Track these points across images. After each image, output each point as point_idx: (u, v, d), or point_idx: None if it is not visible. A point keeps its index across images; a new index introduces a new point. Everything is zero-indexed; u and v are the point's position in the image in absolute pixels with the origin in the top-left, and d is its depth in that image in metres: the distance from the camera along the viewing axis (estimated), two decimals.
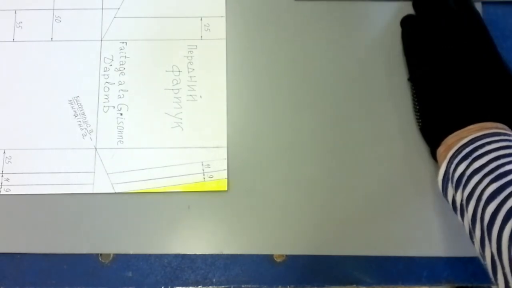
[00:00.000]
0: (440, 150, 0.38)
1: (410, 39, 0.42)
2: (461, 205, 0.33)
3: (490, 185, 0.30)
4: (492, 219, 0.29)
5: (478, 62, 0.38)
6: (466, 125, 0.36)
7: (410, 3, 0.43)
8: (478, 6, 0.44)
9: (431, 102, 0.39)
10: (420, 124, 0.40)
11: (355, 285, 0.39)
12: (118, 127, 0.42)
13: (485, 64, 0.38)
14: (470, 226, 0.32)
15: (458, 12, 0.40)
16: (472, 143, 0.34)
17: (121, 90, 0.43)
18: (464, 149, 0.34)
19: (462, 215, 0.33)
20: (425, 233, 0.40)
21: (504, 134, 0.34)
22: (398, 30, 0.43)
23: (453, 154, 0.35)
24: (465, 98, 0.37)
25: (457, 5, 0.40)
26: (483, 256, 0.31)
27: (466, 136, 0.35)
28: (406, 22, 0.43)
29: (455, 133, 0.36)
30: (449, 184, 0.35)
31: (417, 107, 0.41)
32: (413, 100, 0.42)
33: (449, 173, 0.35)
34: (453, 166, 0.34)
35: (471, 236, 0.33)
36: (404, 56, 0.43)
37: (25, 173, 0.41)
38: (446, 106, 0.38)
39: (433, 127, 0.39)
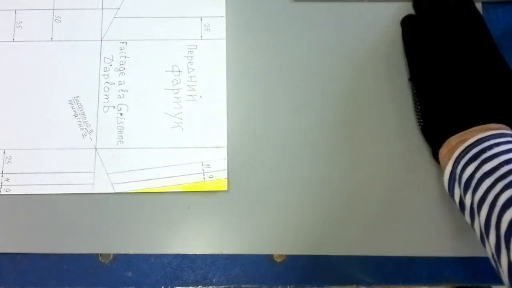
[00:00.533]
0: (443, 151, 0.38)
1: (410, 39, 0.42)
2: (471, 208, 0.33)
3: (505, 191, 0.29)
4: (510, 227, 0.28)
5: (479, 61, 0.38)
6: (469, 127, 0.36)
7: (409, 4, 0.44)
8: (478, 6, 0.44)
9: (433, 103, 0.39)
10: (421, 124, 0.40)
11: (355, 285, 0.39)
12: (118, 127, 0.42)
13: (486, 64, 0.38)
14: (483, 231, 0.31)
15: (458, 11, 0.40)
16: (479, 144, 0.33)
17: (121, 90, 0.43)
18: (471, 149, 0.34)
19: (472, 218, 0.33)
20: (425, 233, 0.40)
21: (511, 135, 0.34)
22: (398, 30, 0.43)
23: (460, 154, 0.35)
24: (467, 99, 0.37)
25: (458, 4, 0.40)
26: (497, 262, 0.30)
27: (471, 137, 0.35)
28: (406, 22, 0.43)
29: (458, 134, 0.36)
30: (456, 185, 0.35)
31: (418, 107, 0.40)
32: (414, 100, 0.42)
33: (455, 174, 0.35)
34: (460, 166, 0.34)
35: (483, 240, 0.32)
36: (405, 56, 0.43)
37: (25, 173, 0.41)
38: (448, 107, 0.38)
39: (435, 127, 0.39)
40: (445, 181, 0.36)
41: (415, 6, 0.43)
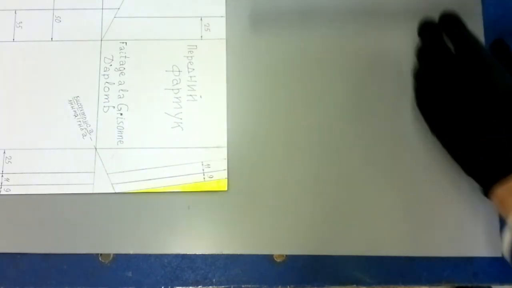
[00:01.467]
0: (503, 193, 0.35)
1: (423, 94, 0.39)
2: None
3: None
4: None
5: (497, 104, 0.35)
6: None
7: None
8: (478, 6, 0.44)
9: (463, 156, 0.37)
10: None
11: (355, 285, 0.39)
12: (118, 127, 0.42)
13: (505, 103, 0.35)
14: None
15: (462, 53, 0.37)
16: None
17: (121, 90, 0.43)
18: None
19: None
20: (425, 233, 0.40)
21: None
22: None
23: None
24: (499, 145, 0.35)
25: (460, 46, 0.38)
26: None
27: None
28: (419, 76, 0.40)
29: (506, 186, 0.34)
30: None
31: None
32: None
33: None
34: None
35: None
36: (418, 108, 0.40)
37: (25, 173, 0.41)
38: (482, 158, 0.35)
39: (479, 173, 0.36)
40: (505, 252, 0.34)
41: (418, 56, 0.40)
